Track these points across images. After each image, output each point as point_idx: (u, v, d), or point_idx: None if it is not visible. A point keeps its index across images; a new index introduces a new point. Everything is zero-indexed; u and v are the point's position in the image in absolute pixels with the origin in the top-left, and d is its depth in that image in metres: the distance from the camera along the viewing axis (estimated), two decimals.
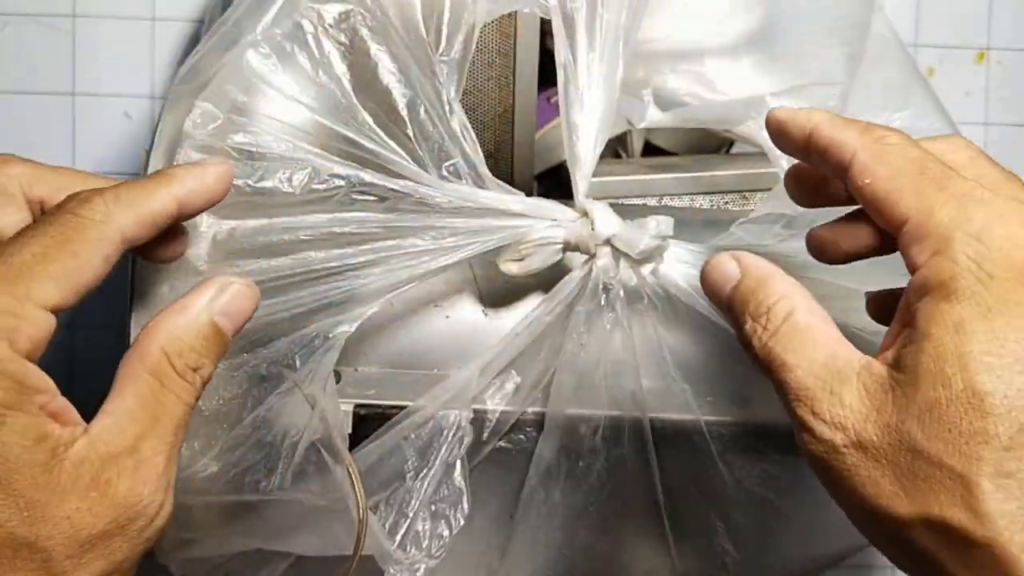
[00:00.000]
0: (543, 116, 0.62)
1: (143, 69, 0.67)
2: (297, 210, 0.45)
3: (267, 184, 0.45)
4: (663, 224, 0.46)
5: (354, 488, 0.44)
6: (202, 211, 0.39)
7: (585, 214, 0.47)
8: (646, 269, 0.48)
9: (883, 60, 0.54)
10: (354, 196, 0.45)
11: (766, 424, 0.49)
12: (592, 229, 0.46)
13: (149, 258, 0.42)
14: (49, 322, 0.34)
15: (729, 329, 0.48)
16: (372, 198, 0.46)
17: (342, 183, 0.45)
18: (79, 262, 0.34)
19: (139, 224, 0.36)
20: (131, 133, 0.68)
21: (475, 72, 0.54)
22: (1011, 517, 0.30)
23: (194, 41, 0.67)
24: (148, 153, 0.47)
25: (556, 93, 0.65)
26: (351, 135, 0.45)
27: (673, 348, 0.49)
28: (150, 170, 0.46)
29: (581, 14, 0.46)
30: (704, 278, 0.41)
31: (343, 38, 0.46)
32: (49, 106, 0.67)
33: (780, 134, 0.39)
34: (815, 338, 0.35)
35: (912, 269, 0.33)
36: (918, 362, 0.32)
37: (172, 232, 0.41)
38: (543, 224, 0.46)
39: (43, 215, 0.36)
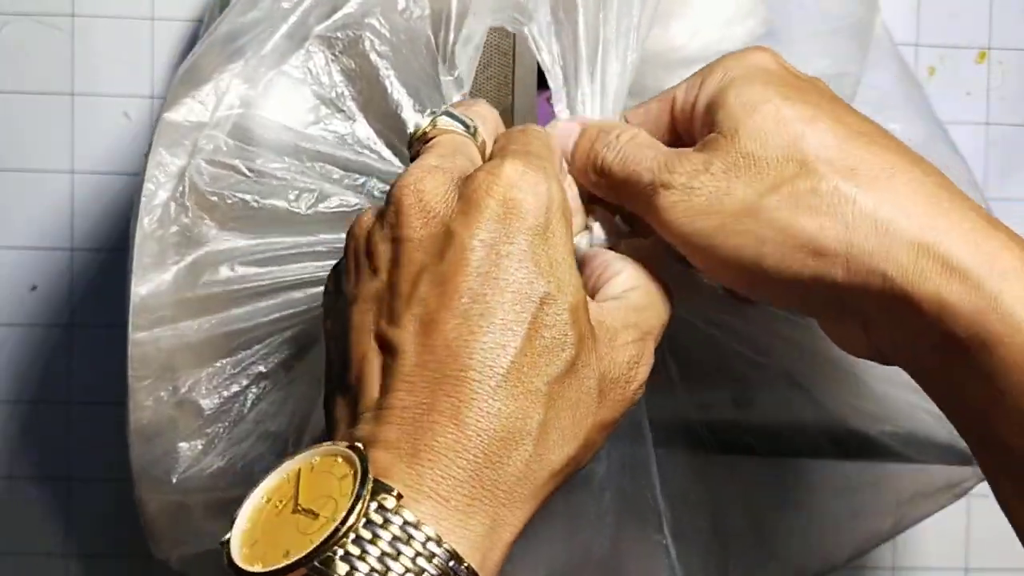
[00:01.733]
0: (543, 116, 0.62)
1: (142, 69, 0.67)
2: (304, 228, 0.46)
3: (275, 202, 0.46)
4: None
5: None
6: None
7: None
8: None
9: (878, 65, 0.54)
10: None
11: (766, 424, 0.49)
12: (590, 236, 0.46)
13: None
14: None
15: (729, 329, 0.48)
16: None
17: (349, 208, 0.46)
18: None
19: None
20: (130, 133, 0.67)
21: (474, 72, 0.54)
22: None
23: (193, 41, 0.67)
24: (146, 156, 0.47)
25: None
26: (358, 156, 0.46)
27: (673, 348, 0.49)
28: (148, 171, 0.46)
29: (576, 22, 0.46)
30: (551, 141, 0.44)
31: (351, 63, 0.47)
32: (48, 106, 0.67)
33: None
34: (657, 145, 0.41)
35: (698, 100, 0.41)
36: (731, 126, 0.39)
37: None
38: None
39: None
